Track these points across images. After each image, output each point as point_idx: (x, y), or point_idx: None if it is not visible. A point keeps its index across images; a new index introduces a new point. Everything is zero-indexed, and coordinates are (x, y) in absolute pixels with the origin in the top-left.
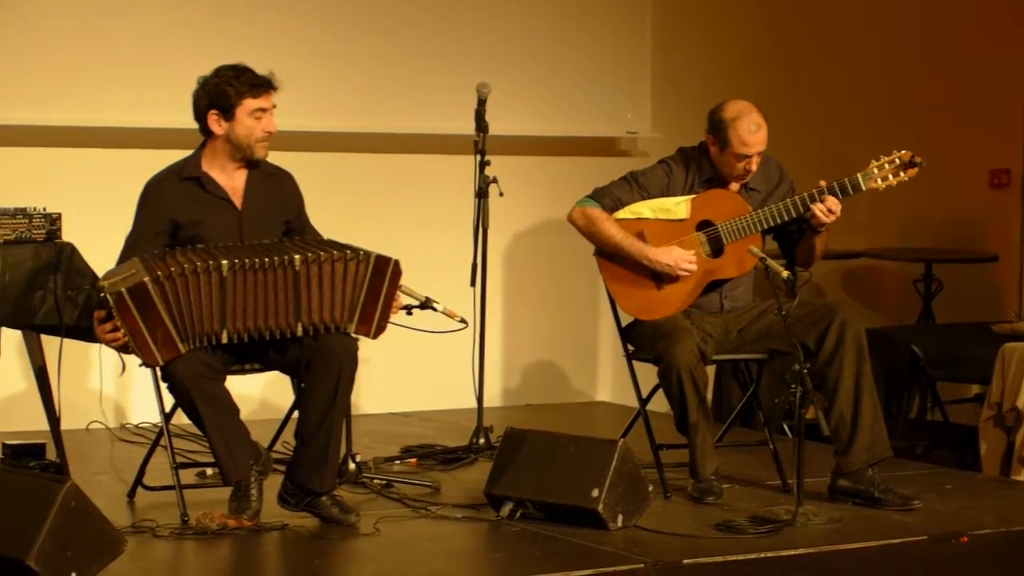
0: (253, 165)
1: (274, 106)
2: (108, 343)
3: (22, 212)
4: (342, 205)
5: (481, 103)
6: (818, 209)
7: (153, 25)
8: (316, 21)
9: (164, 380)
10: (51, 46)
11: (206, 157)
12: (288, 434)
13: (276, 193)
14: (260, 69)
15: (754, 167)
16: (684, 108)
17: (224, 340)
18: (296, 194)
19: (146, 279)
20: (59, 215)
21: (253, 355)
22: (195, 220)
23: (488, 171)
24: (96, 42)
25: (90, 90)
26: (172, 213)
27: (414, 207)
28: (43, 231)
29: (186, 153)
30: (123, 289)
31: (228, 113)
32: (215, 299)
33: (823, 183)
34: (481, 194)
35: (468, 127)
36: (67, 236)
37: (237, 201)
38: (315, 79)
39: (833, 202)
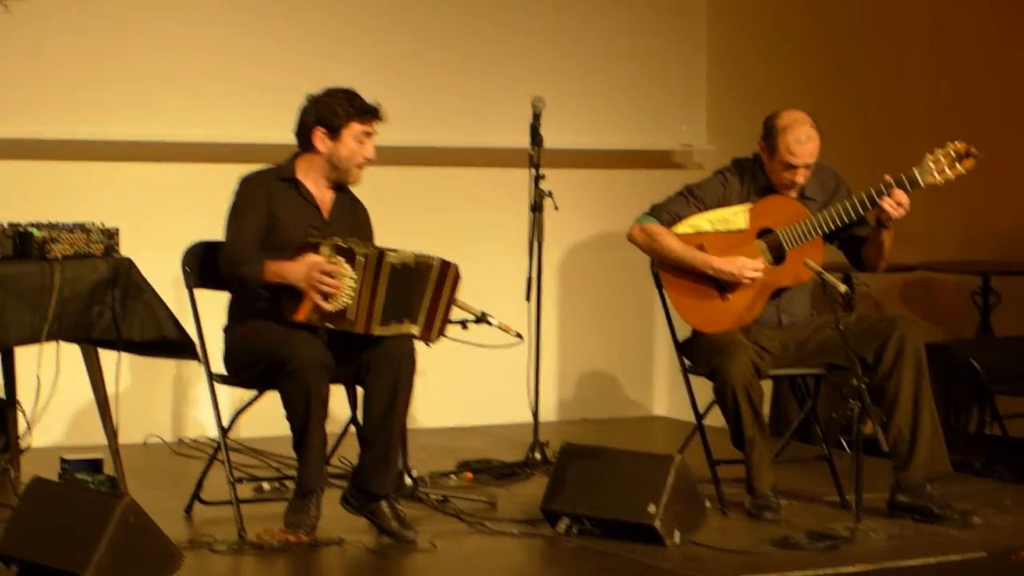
0: (340, 188)
1: (377, 134)
2: (315, 277)
3: (80, 227)
4: (398, 218)
5: (536, 117)
6: (887, 204)
7: (207, 39)
8: (372, 35)
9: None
10: (107, 61)
11: (301, 168)
12: (343, 449)
13: (355, 218)
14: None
15: (799, 179)
16: (739, 120)
17: (361, 332)
18: (370, 227)
19: (393, 252)
20: (117, 230)
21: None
22: (288, 218)
23: (543, 185)
24: (153, 56)
25: (146, 104)
26: (272, 206)
27: (469, 221)
28: (101, 246)
29: (242, 166)
30: (378, 251)
31: (335, 133)
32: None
33: (888, 177)
34: (536, 208)
35: (523, 140)
36: (124, 250)
37: (325, 212)
38: (371, 93)
39: (901, 195)
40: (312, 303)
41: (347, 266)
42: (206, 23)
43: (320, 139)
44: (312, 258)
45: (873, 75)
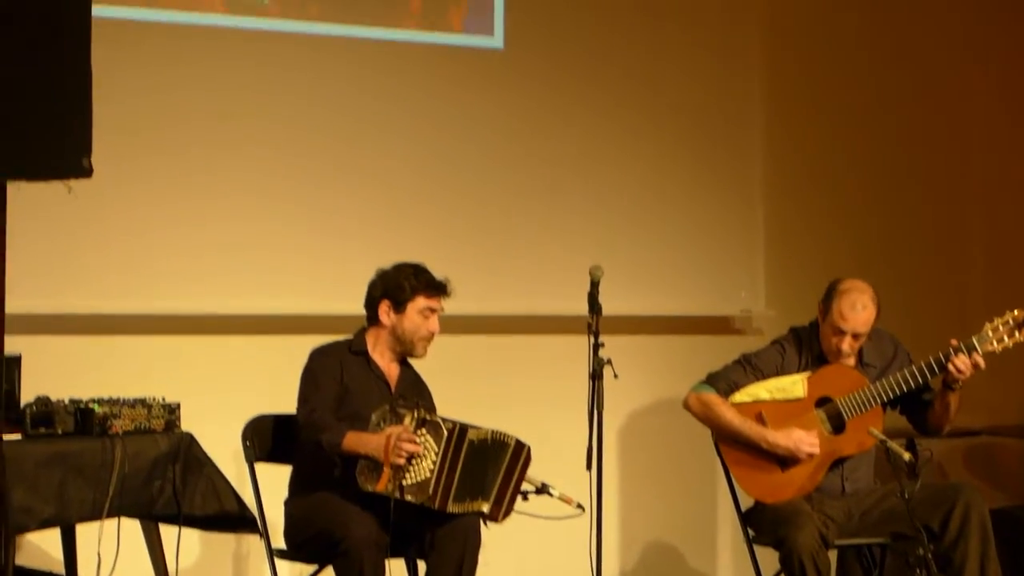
0: (404, 362)
1: (443, 310)
2: (397, 449)
3: (141, 402)
4: (455, 387)
5: (594, 285)
6: (953, 365)
7: (268, 212)
8: (428, 202)
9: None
10: (165, 235)
11: (369, 341)
12: None
13: (420, 393)
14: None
15: (844, 347)
16: (798, 286)
17: (436, 507)
18: (433, 404)
19: (473, 428)
20: (178, 404)
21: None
22: (359, 391)
23: (602, 353)
24: (212, 229)
25: (205, 277)
26: (344, 378)
27: (527, 389)
28: (162, 420)
29: (302, 338)
30: (461, 427)
31: (400, 306)
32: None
33: (955, 342)
34: (595, 376)
35: (581, 307)
36: (185, 424)
37: (392, 385)
38: (428, 260)
39: (978, 357)
40: (391, 475)
41: (430, 439)
42: (268, 197)
43: (385, 312)
44: (395, 429)
45: (930, 241)
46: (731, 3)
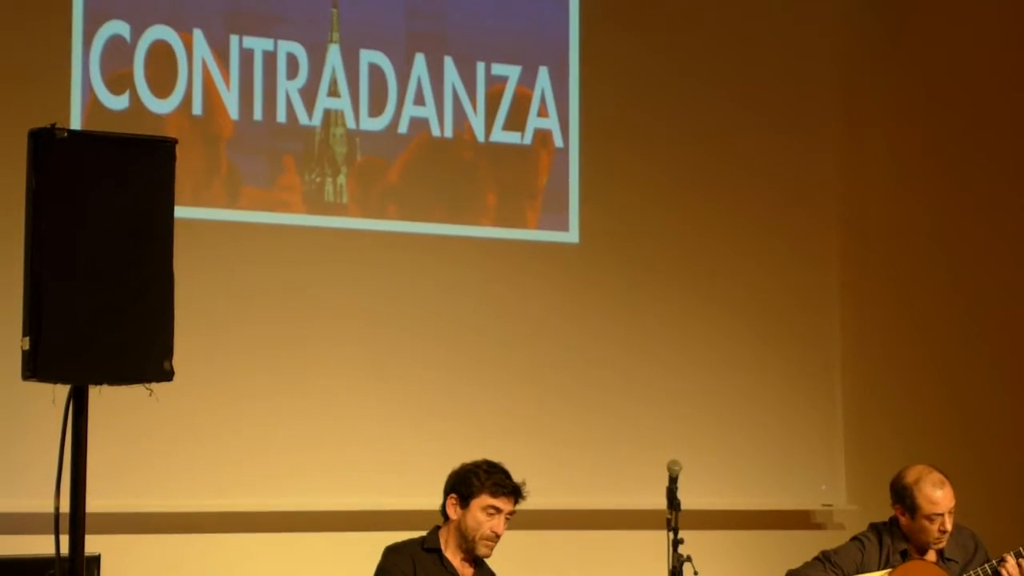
0: (478, 563)
1: (512, 513)
2: None
3: None
4: None
5: (672, 481)
6: (1005, 570)
7: (341, 412)
8: (504, 394)
9: None
10: (245, 435)
11: (442, 538)
12: None
13: None
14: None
15: (949, 526)
16: (880, 479)
17: None
18: None
19: None
20: None
21: None
22: None
23: (682, 549)
24: (287, 429)
25: (280, 475)
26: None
27: None
28: None
29: (377, 535)
30: None
31: (465, 501)
32: None
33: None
34: (675, 573)
35: (657, 502)
36: None
37: None
38: (501, 455)
39: (1013, 565)
40: None
41: None
42: (343, 393)
43: (451, 505)
44: None
45: (1013, 432)
46: (809, 198)
